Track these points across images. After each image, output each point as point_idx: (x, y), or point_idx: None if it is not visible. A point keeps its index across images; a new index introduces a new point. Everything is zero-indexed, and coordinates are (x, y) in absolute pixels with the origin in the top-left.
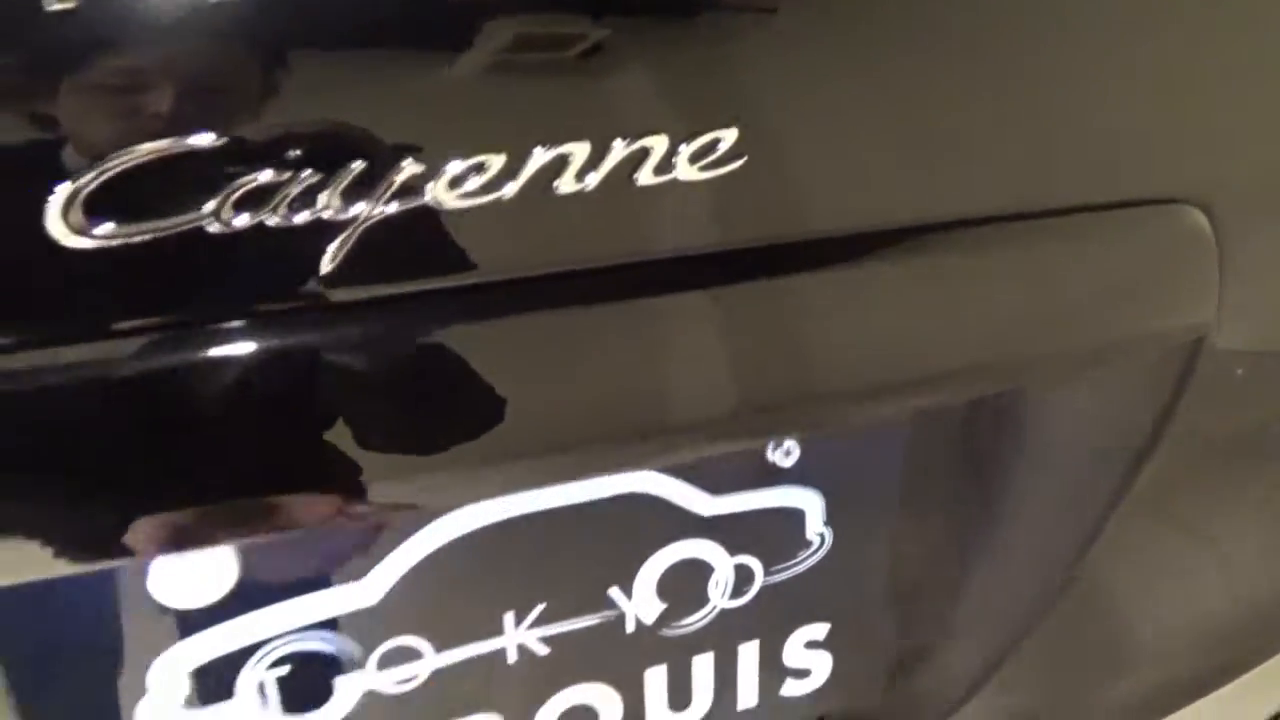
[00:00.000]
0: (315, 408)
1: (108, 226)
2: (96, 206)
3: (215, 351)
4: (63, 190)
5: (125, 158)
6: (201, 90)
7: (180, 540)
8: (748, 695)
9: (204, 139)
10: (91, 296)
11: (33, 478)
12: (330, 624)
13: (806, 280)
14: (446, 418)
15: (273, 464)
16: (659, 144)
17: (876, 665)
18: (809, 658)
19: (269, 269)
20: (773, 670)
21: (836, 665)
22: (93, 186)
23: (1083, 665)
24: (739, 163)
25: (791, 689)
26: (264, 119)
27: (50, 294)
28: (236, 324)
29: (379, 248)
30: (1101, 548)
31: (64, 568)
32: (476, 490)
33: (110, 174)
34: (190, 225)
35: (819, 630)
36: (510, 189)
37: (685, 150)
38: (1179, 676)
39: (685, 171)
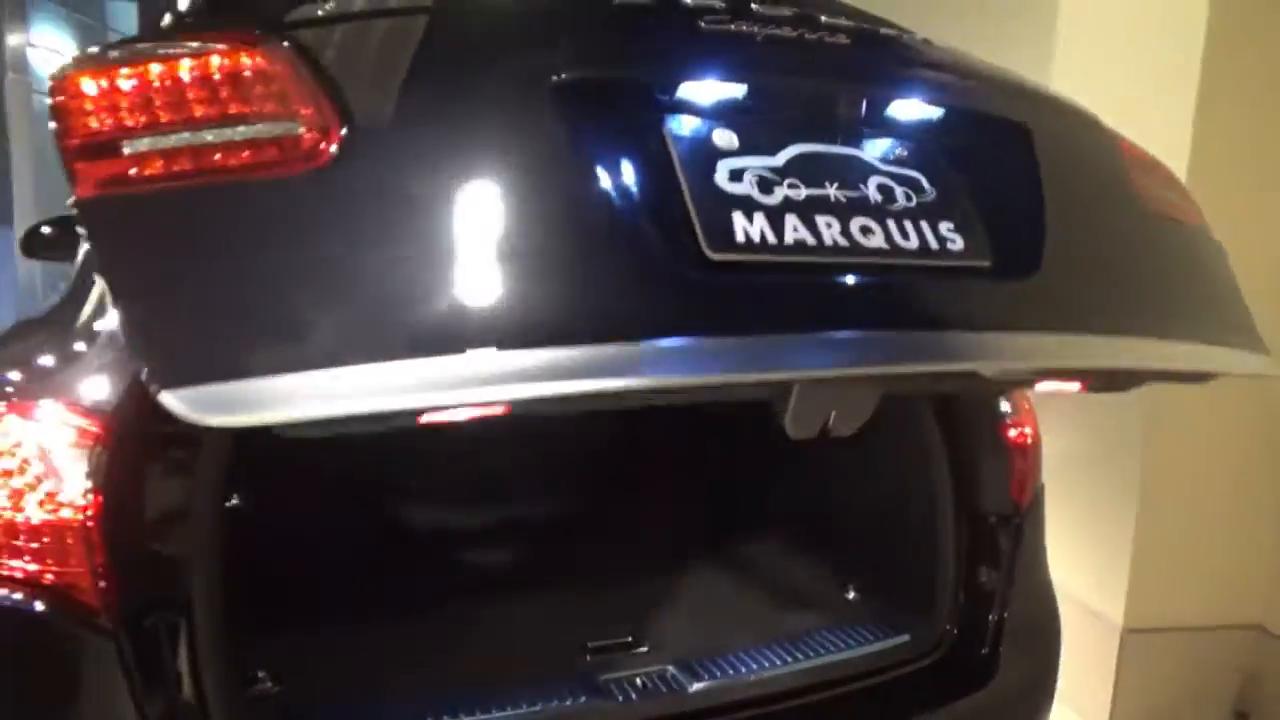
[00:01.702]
0: None
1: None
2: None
3: None
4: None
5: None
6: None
7: None
8: (931, 241)
9: None
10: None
11: None
12: (771, 169)
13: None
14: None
15: None
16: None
17: (978, 240)
18: (949, 236)
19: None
20: (935, 233)
21: (963, 240)
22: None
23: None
24: None
25: (947, 245)
26: None
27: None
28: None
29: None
30: None
31: None
32: None
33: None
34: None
35: (950, 224)
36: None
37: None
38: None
39: None
